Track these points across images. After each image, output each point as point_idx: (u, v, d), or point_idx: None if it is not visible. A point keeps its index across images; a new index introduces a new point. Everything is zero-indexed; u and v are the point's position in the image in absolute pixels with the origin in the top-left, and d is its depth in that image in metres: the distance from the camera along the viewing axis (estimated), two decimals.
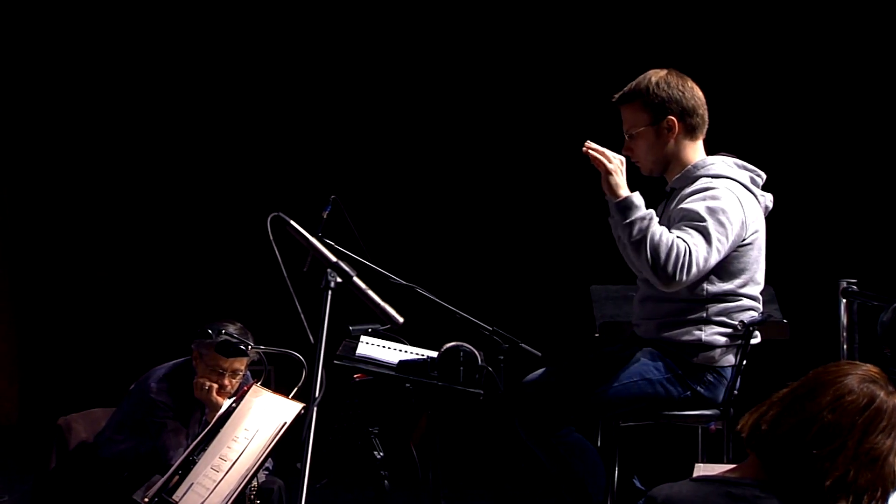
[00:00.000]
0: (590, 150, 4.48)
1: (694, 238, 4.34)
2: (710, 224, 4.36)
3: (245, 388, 4.52)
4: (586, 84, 7.81)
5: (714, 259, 4.38)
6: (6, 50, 9.52)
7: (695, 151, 4.65)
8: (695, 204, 4.42)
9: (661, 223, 4.48)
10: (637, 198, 4.42)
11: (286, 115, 9.10)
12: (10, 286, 9.85)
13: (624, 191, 4.43)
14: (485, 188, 8.73)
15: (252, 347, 4.86)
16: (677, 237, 4.34)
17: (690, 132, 4.63)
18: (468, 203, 8.77)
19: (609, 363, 4.56)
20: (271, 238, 3.56)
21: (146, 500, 4.24)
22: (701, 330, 4.49)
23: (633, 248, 4.36)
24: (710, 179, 4.51)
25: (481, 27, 8.70)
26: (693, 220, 4.38)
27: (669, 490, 2.61)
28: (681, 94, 4.60)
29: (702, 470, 3.44)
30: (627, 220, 4.37)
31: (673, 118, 4.58)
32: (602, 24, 8.40)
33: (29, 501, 5.92)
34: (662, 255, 4.30)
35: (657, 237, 4.32)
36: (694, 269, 4.31)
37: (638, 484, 4.81)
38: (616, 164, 4.46)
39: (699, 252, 4.33)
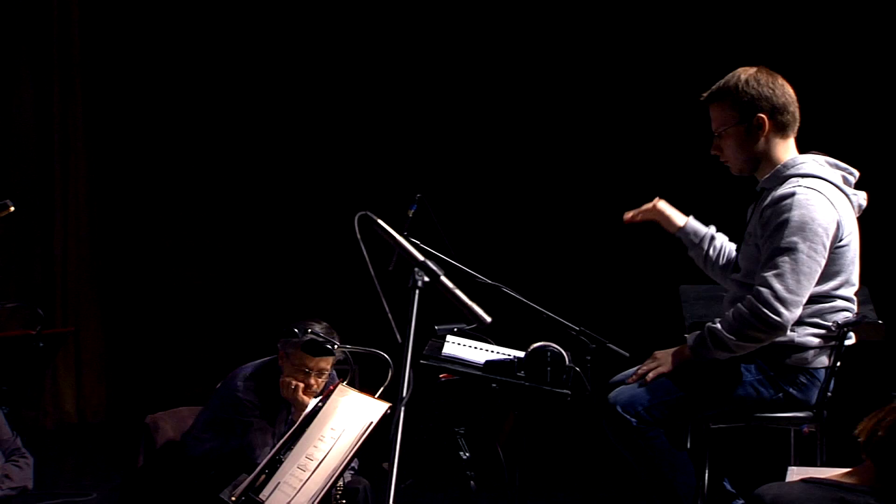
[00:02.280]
0: (648, 376, 4.55)
1: (780, 269, 4.34)
2: (800, 244, 4.34)
3: (331, 387, 4.54)
4: (676, 85, 7.75)
5: (813, 273, 4.36)
6: (98, 52, 9.68)
7: (785, 150, 4.60)
8: (781, 231, 4.39)
9: (750, 225, 4.47)
10: (690, 341, 4.50)
11: (373, 113, 9.15)
12: (98, 285, 10.00)
13: (685, 348, 4.51)
14: (573, 187, 8.71)
15: (338, 346, 4.87)
16: (756, 289, 4.36)
17: (781, 130, 4.59)
18: (556, 201, 8.76)
19: (700, 364, 4.53)
20: (359, 237, 3.58)
21: (233, 498, 4.28)
22: (794, 331, 4.45)
23: (739, 347, 4.42)
24: (799, 179, 4.47)
25: (573, 24, 8.69)
26: (781, 251, 4.37)
27: (779, 490, 2.58)
28: (771, 91, 4.55)
29: (795, 473, 3.41)
30: (713, 352, 4.45)
31: (763, 116, 4.54)
32: (687, 22, 8.35)
33: (117, 499, 6.00)
34: (751, 325, 4.36)
35: (733, 325, 4.39)
36: (783, 307, 4.33)
37: (729, 487, 4.77)
38: (655, 361, 4.53)
39: (785, 284, 4.33)
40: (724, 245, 4.89)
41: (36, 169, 9.80)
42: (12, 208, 4.34)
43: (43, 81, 9.77)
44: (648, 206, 4.94)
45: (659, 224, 4.96)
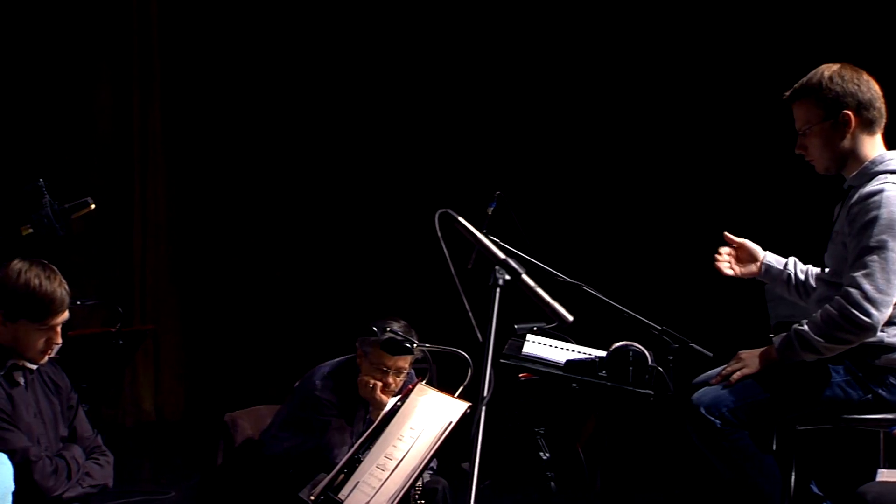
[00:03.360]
0: (733, 377, 4.50)
1: (869, 269, 4.28)
2: (890, 241, 4.29)
3: (410, 386, 4.55)
4: (764, 82, 7.68)
5: None
6: (176, 52, 9.79)
7: (873, 146, 4.54)
8: (869, 229, 4.33)
9: (838, 223, 4.42)
10: (777, 343, 4.45)
11: (453, 110, 9.16)
12: (176, 283, 10.11)
13: (771, 349, 4.46)
14: (654, 185, 8.66)
15: (417, 345, 4.87)
16: (844, 290, 4.31)
17: (867, 126, 4.53)
18: (637, 199, 8.71)
19: (786, 365, 4.49)
20: (439, 235, 3.58)
21: (312, 497, 4.30)
22: (884, 331, 4.39)
23: (827, 349, 4.38)
24: (888, 175, 4.41)
25: (654, 21, 8.65)
26: (869, 249, 4.31)
27: (881, 488, 2.55)
28: (856, 87, 4.49)
29: (885, 476, 3.37)
30: (801, 354, 4.40)
31: (849, 112, 4.48)
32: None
33: (195, 497, 6.06)
34: (840, 327, 4.30)
35: (822, 328, 4.34)
36: (873, 308, 4.27)
37: (816, 490, 4.72)
38: (740, 362, 4.49)
39: (875, 284, 4.27)
40: (804, 267, 4.84)
41: (115, 167, 9.94)
42: (93, 206, 4.40)
43: (122, 80, 9.90)
44: (735, 246, 4.86)
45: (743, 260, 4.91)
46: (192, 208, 10.06)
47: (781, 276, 4.82)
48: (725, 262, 4.88)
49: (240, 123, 9.85)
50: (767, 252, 4.87)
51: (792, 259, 4.85)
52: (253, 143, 9.84)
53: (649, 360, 4.24)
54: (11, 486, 3.72)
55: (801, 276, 4.79)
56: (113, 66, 9.91)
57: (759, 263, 4.86)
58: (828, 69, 4.55)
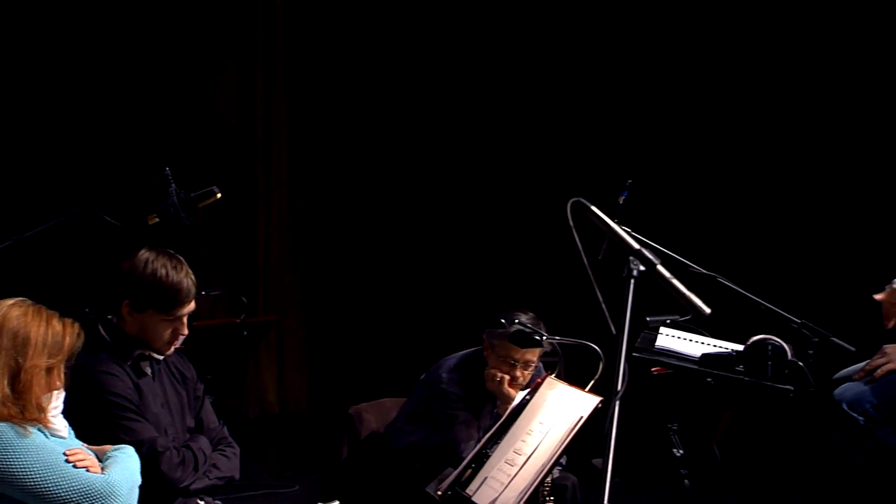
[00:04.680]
0: (877, 373, 4.42)
1: None
2: None
3: (538, 379, 4.55)
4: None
5: None
6: (300, 42, 9.91)
7: None
8: None
9: None
10: None
11: (582, 97, 9.14)
12: (299, 274, 10.23)
13: None
14: (793, 173, 8.55)
15: (546, 338, 4.86)
16: None
17: None
18: (775, 188, 8.60)
19: None
20: (571, 224, 3.58)
21: (439, 493, 4.32)
22: None
23: None
24: None
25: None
26: None
27: None
28: None
29: None
30: None
31: None
32: None
33: (320, 491, 6.12)
34: None
35: None
36: None
37: None
38: (885, 356, 4.43)
39: None
40: None
41: (238, 157, 10.08)
42: (219, 195, 4.46)
43: (246, 70, 10.04)
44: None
45: None
46: (316, 197, 10.17)
47: None
48: None
49: (364, 111, 9.93)
50: None
51: None
52: (378, 130, 9.91)
53: (789, 354, 4.18)
54: (138, 479, 3.79)
55: None
56: (237, 56, 10.05)
57: None
58: None
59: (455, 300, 9.44)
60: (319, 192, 10.15)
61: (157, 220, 4.37)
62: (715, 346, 4.37)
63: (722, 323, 4.32)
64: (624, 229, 3.75)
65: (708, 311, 3.63)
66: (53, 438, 3.65)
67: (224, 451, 4.59)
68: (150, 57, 9.80)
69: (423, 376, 5.57)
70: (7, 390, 3.54)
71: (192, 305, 4.42)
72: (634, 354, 4.26)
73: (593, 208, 3.64)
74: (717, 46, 8.74)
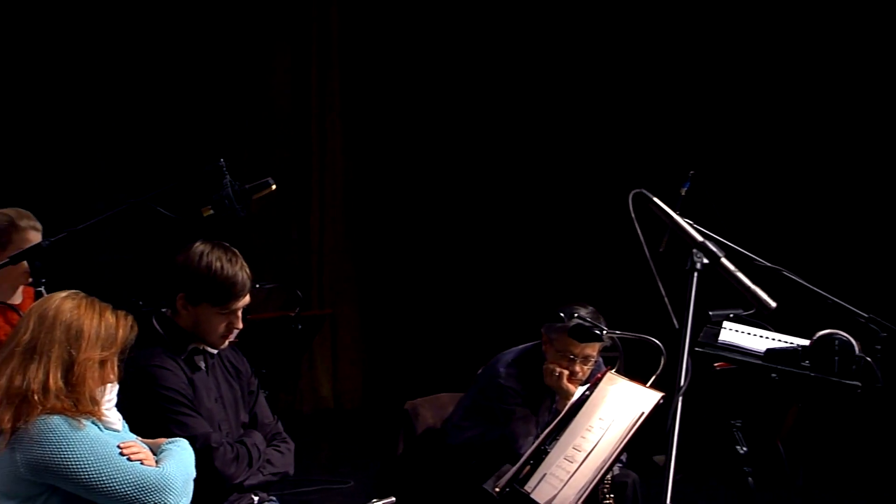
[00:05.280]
0: None
1: None
2: None
3: (598, 374, 4.54)
4: None
5: None
6: (355, 28, 9.92)
7: None
8: None
9: None
10: None
11: (643, 88, 9.10)
12: (354, 266, 10.24)
13: None
14: (861, 163, 8.47)
15: (606, 332, 4.84)
16: None
17: None
18: (841, 178, 8.53)
19: None
20: (633, 216, 3.56)
21: (497, 489, 4.32)
22: None
23: None
24: None
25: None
26: None
27: None
28: None
29: None
30: None
31: None
32: None
33: (375, 487, 6.13)
34: None
35: None
36: None
37: None
38: None
39: None
40: None
41: (292, 147, 10.11)
42: (274, 186, 4.46)
43: (301, 59, 10.07)
44: None
45: None
46: (371, 189, 10.18)
47: None
48: None
49: (420, 101, 9.92)
50: None
51: None
52: (435, 119, 9.90)
53: (856, 349, 4.14)
54: (192, 473, 3.81)
55: None
56: (292, 43, 10.08)
57: None
58: None
59: (513, 293, 9.42)
60: (375, 184, 10.16)
61: (211, 211, 4.38)
62: (780, 340, 4.33)
63: (787, 317, 4.28)
64: (687, 221, 3.72)
65: (773, 304, 3.59)
66: (107, 431, 3.67)
67: (278, 446, 4.60)
68: (204, 47, 9.85)
69: (480, 371, 5.57)
70: (61, 383, 3.57)
71: (246, 299, 4.43)
72: (697, 349, 4.24)
73: (656, 200, 3.61)
74: (783, 33, 8.66)
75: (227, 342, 4.51)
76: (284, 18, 10.04)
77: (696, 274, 3.46)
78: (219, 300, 4.36)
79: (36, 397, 3.52)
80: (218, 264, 4.35)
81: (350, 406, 10.22)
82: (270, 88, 10.08)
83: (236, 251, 4.45)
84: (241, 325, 4.46)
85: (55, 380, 3.55)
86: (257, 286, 4.58)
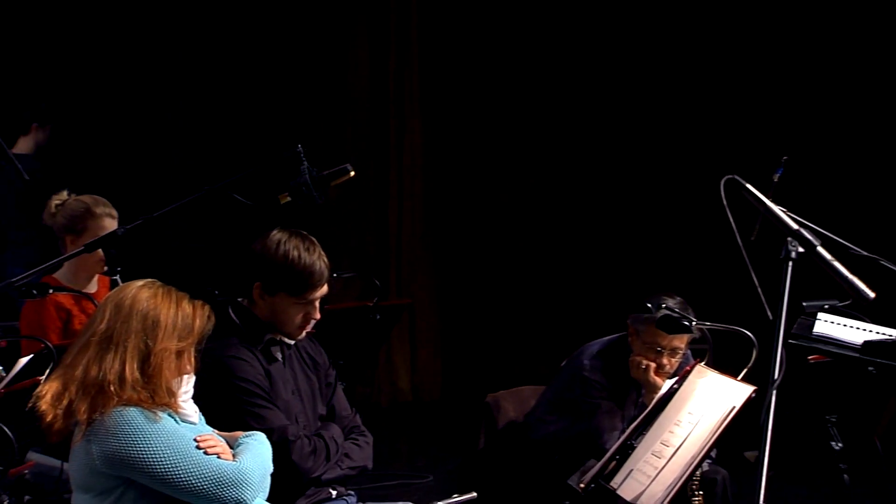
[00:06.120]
0: None
1: None
2: None
3: (687, 367, 4.51)
4: None
5: None
6: (434, 17, 9.93)
7: None
8: None
9: None
10: None
11: (733, 70, 9.02)
12: (432, 255, 10.25)
13: None
14: None
15: (695, 323, 4.81)
16: None
17: None
18: None
19: None
20: (724, 203, 3.53)
21: (581, 485, 4.31)
22: None
23: None
24: None
25: None
26: None
27: None
28: None
29: None
30: None
31: None
32: None
33: (455, 482, 6.14)
34: None
35: None
36: None
37: None
38: None
39: None
40: None
41: (370, 134, 10.14)
42: (352, 173, 4.46)
43: (379, 47, 10.08)
44: None
45: None
46: (450, 175, 10.18)
47: None
48: None
49: (500, 88, 9.90)
50: None
51: None
52: (515, 107, 9.88)
53: None
54: (270, 467, 3.82)
55: None
56: (370, 32, 10.10)
57: None
58: None
59: (598, 283, 9.38)
60: (454, 170, 10.16)
61: (288, 199, 4.39)
62: (877, 332, 4.27)
63: (885, 309, 4.23)
64: (780, 208, 3.68)
65: (872, 295, 3.55)
66: (184, 424, 3.69)
67: (356, 439, 4.60)
68: (282, 34, 9.91)
69: (563, 363, 5.56)
70: (137, 374, 3.59)
71: (324, 289, 4.44)
72: (791, 341, 4.20)
73: (748, 186, 3.58)
74: (882, 12, 8.55)
75: (304, 333, 4.52)
76: (362, 4, 10.07)
77: (790, 263, 3.43)
78: (296, 290, 4.37)
79: (112, 388, 3.55)
80: (295, 253, 4.36)
81: (429, 399, 10.24)
82: (348, 74, 10.11)
83: (314, 239, 4.45)
84: (318, 316, 4.47)
85: (131, 370, 3.57)
86: (335, 275, 4.59)
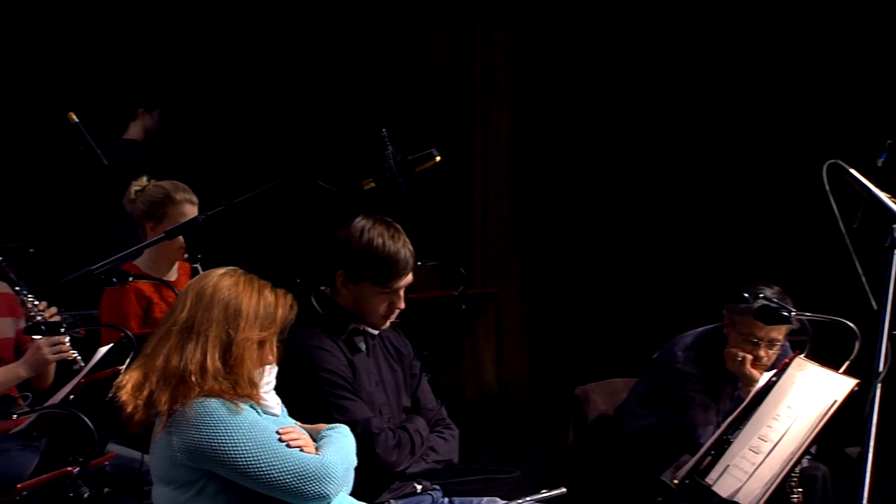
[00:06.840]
0: None
1: None
2: None
3: (786, 360, 4.46)
4: None
5: None
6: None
7: None
8: None
9: None
10: None
11: (835, 54, 8.92)
12: (519, 244, 10.24)
13: None
14: None
15: (794, 314, 4.75)
16: None
17: None
18: None
19: None
20: (827, 189, 3.48)
21: (675, 481, 4.28)
22: None
23: None
24: None
25: None
26: None
27: None
28: None
29: None
30: None
31: None
32: None
33: (543, 477, 6.12)
34: None
35: None
36: None
37: None
38: None
39: None
40: None
41: (455, 119, 10.13)
42: (438, 158, 4.45)
43: (465, 32, 10.07)
44: None
45: None
46: (537, 162, 10.15)
47: None
48: None
49: (589, 76, 9.85)
50: None
51: None
52: (604, 94, 9.82)
53: None
54: (354, 461, 3.82)
55: None
56: (455, 17, 10.09)
57: None
58: None
59: (692, 272, 9.31)
60: (541, 157, 10.13)
61: (373, 185, 4.38)
62: None
63: None
64: (885, 194, 3.62)
65: None
66: (266, 416, 3.70)
67: (442, 433, 4.59)
68: (367, 19, 9.93)
69: (656, 355, 5.54)
70: (218, 364, 3.59)
71: (409, 278, 4.43)
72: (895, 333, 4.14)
73: (852, 171, 3.52)
74: None
75: (388, 322, 4.51)
76: None
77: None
78: (380, 279, 4.36)
79: (193, 378, 3.56)
80: (380, 241, 4.34)
81: (515, 392, 10.22)
82: (434, 58, 10.11)
83: (399, 227, 4.44)
84: (402, 305, 4.46)
85: (213, 360, 3.58)
86: (419, 263, 4.57)
